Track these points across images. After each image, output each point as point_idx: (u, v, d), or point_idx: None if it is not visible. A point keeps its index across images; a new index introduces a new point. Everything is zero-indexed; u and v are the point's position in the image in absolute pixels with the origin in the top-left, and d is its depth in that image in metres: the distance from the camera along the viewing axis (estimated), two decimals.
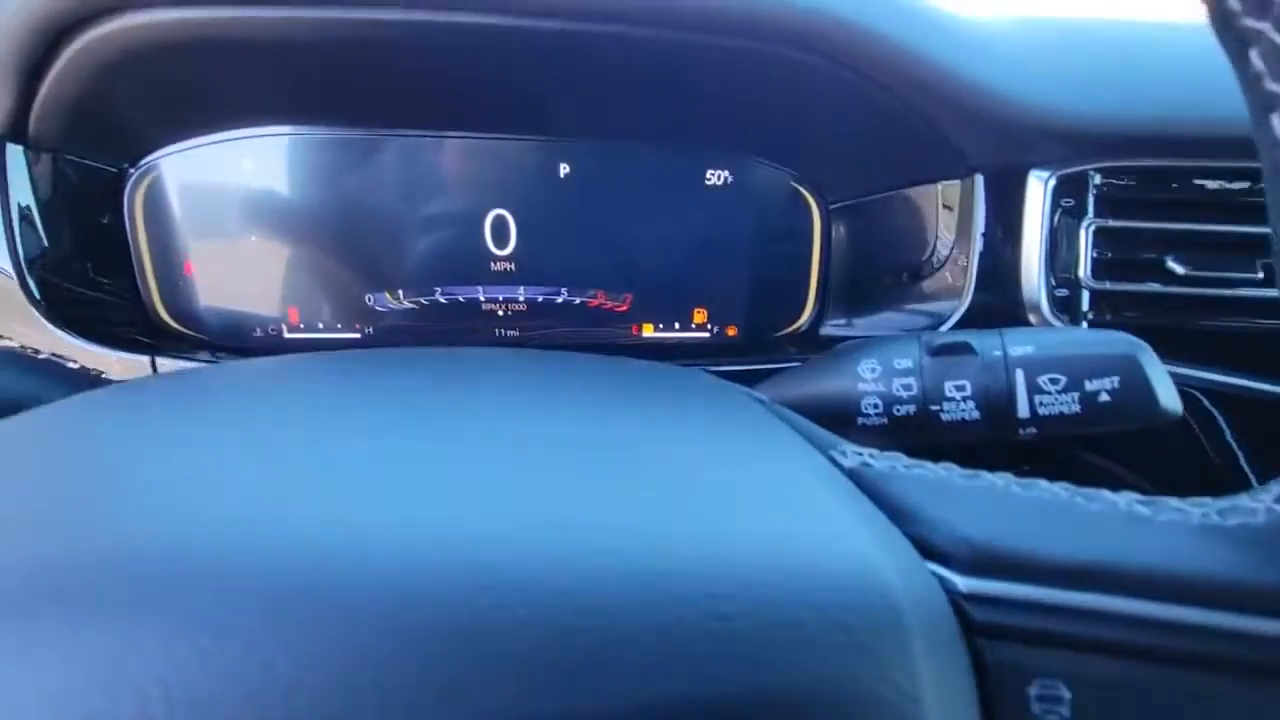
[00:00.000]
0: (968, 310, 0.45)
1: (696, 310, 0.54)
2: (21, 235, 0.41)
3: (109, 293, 0.47)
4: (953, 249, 0.46)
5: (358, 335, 0.52)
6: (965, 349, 0.32)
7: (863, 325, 0.53)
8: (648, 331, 0.54)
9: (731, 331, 0.55)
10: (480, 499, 0.17)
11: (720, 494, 0.19)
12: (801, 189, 0.52)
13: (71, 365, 0.37)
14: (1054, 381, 0.31)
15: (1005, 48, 0.42)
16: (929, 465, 0.21)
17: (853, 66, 0.39)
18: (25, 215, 0.41)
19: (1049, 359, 0.31)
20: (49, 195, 0.42)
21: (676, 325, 0.55)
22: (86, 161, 0.44)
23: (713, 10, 0.38)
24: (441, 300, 0.52)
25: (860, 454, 0.22)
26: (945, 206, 0.46)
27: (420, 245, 0.50)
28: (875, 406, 0.32)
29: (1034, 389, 0.31)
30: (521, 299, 0.52)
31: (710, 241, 0.53)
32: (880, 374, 0.32)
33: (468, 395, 0.25)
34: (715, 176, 0.51)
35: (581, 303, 0.53)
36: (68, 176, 0.43)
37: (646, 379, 0.28)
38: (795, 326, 0.55)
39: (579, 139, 0.49)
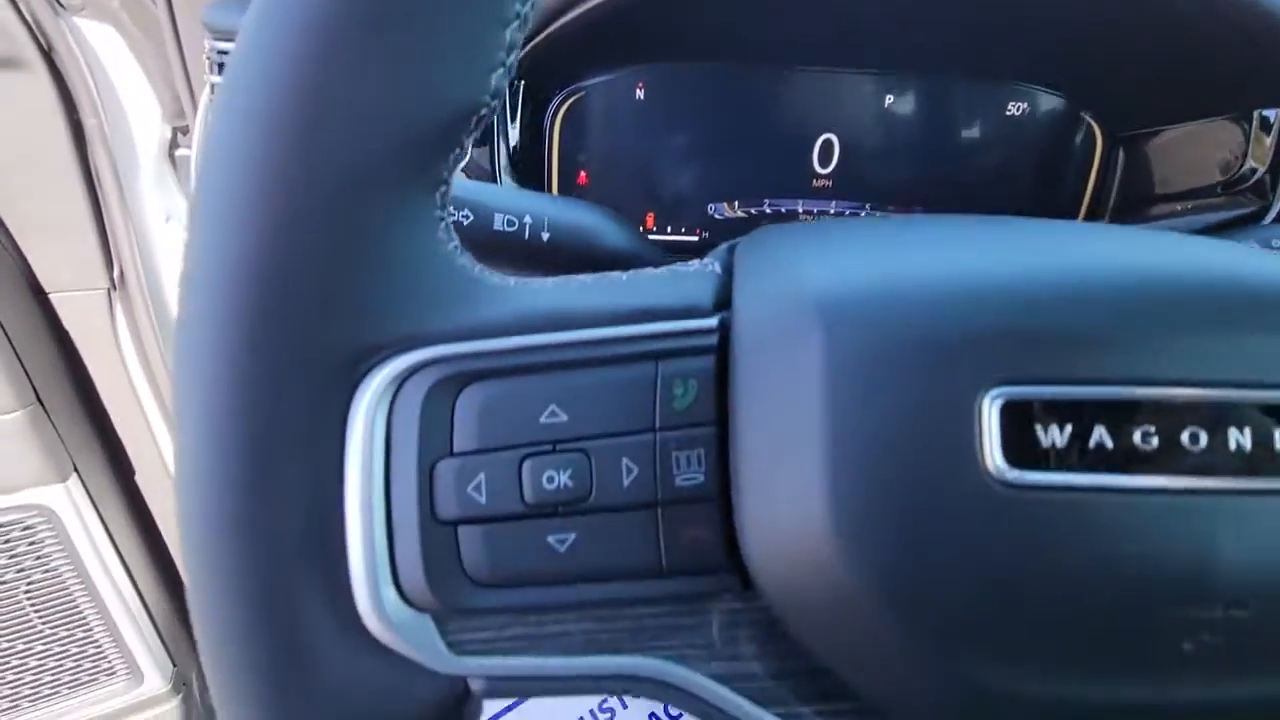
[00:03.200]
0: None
1: None
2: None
3: None
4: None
5: (696, 239, 0.63)
6: None
7: None
8: None
9: None
10: None
11: None
12: (1088, 118, 0.60)
13: None
14: None
15: None
16: None
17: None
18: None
19: None
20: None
21: None
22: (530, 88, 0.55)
23: None
24: (767, 210, 0.62)
25: None
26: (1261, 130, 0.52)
27: (758, 163, 0.61)
28: None
29: None
30: (832, 211, 0.63)
31: (1000, 165, 0.61)
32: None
33: None
34: (1015, 108, 0.59)
35: (880, 217, 0.63)
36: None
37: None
38: None
39: (906, 73, 0.58)
